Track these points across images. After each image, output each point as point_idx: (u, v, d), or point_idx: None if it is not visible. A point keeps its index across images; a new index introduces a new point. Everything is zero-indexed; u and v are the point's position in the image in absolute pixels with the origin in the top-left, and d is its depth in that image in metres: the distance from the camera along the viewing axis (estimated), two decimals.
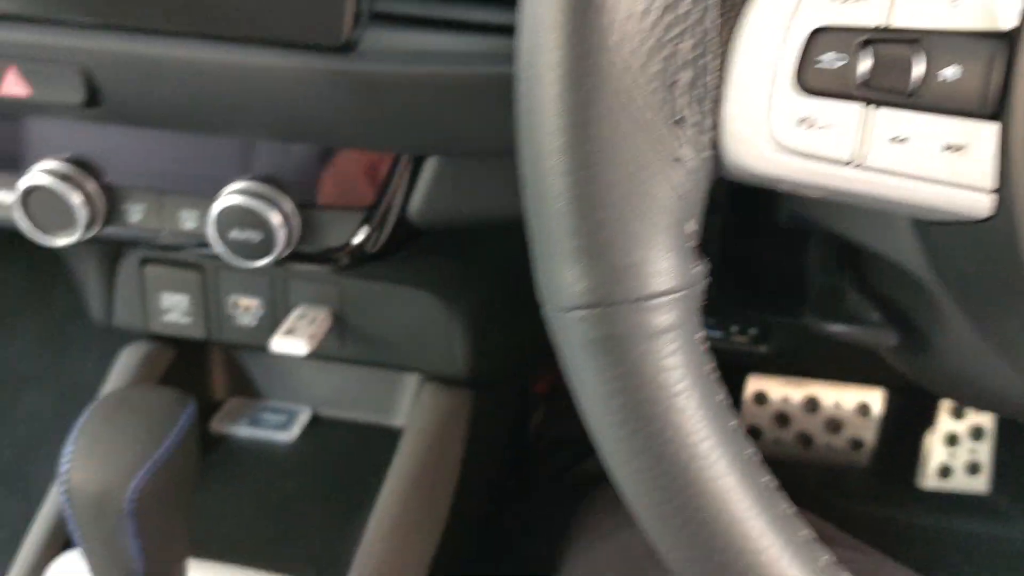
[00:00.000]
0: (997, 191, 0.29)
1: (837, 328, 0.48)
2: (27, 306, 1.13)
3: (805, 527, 0.32)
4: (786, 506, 0.32)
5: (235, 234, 0.53)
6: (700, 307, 0.32)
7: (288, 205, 0.54)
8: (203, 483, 0.75)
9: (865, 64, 0.29)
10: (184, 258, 0.74)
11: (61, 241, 0.55)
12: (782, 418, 1.17)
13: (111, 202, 0.56)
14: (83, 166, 0.55)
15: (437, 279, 0.73)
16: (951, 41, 0.29)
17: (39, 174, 0.54)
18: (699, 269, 0.31)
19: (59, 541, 0.68)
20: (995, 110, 0.29)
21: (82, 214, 0.54)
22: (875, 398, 1.16)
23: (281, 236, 0.53)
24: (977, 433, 1.18)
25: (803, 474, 1.17)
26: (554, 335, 0.32)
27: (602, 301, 0.30)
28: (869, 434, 1.17)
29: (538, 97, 0.30)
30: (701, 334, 0.31)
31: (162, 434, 0.50)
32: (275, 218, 0.53)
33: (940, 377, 0.49)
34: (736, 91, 0.30)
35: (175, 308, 0.76)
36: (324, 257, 0.56)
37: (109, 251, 0.76)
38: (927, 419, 1.17)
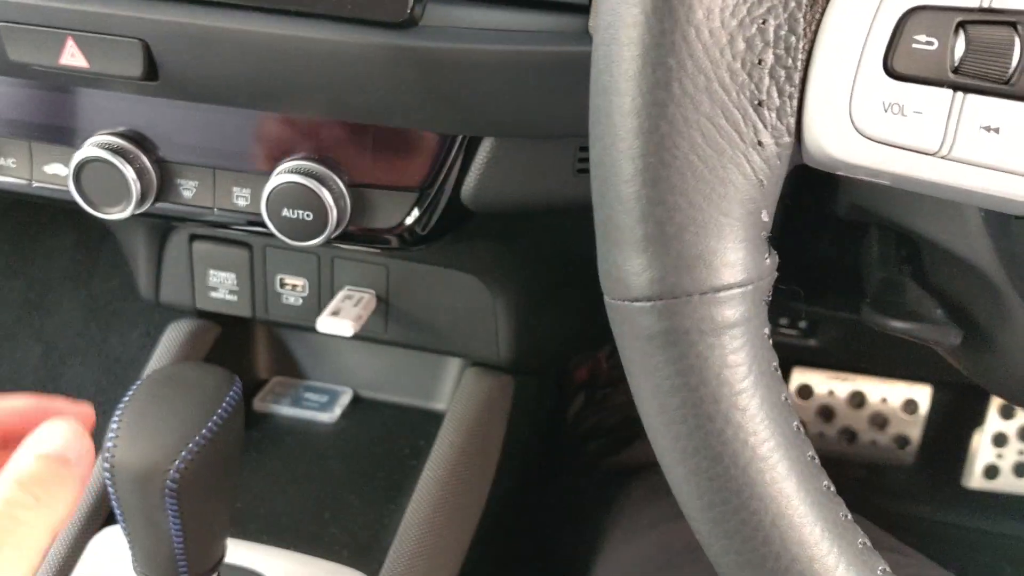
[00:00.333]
0: None
1: (898, 324, 0.46)
2: (73, 280, 1.14)
3: (862, 534, 0.31)
4: (844, 512, 0.31)
5: (287, 213, 0.53)
6: (767, 300, 0.30)
7: (340, 185, 0.53)
8: (244, 462, 0.75)
9: (960, 48, 0.28)
10: (232, 236, 0.74)
11: (114, 215, 0.55)
12: (827, 412, 1.15)
13: (164, 177, 0.56)
14: (137, 141, 0.55)
15: (483, 264, 0.72)
16: None
17: (93, 148, 0.54)
18: (770, 260, 0.30)
19: (101, 515, 0.68)
20: None
21: (135, 188, 0.54)
22: (922, 395, 1.14)
23: (333, 216, 0.53)
24: None
25: (846, 470, 1.16)
26: (615, 325, 0.31)
27: (668, 293, 0.29)
28: (915, 431, 1.15)
29: (615, 75, 0.29)
30: (767, 329, 0.30)
31: (208, 413, 0.49)
32: (327, 198, 0.52)
33: (1002, 377, 0.47)
34: (821, 74, 0.28)
35: (222, 285, 0.76)
36: (375, 238, 0.56)
37: (158, 227, 0.76)
38: (975, 418, 1.15)
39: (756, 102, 0.28)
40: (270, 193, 0.53)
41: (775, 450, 0.30)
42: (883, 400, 1.14)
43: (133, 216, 0.55)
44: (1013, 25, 0.28)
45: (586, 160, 0.53)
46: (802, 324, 0.86)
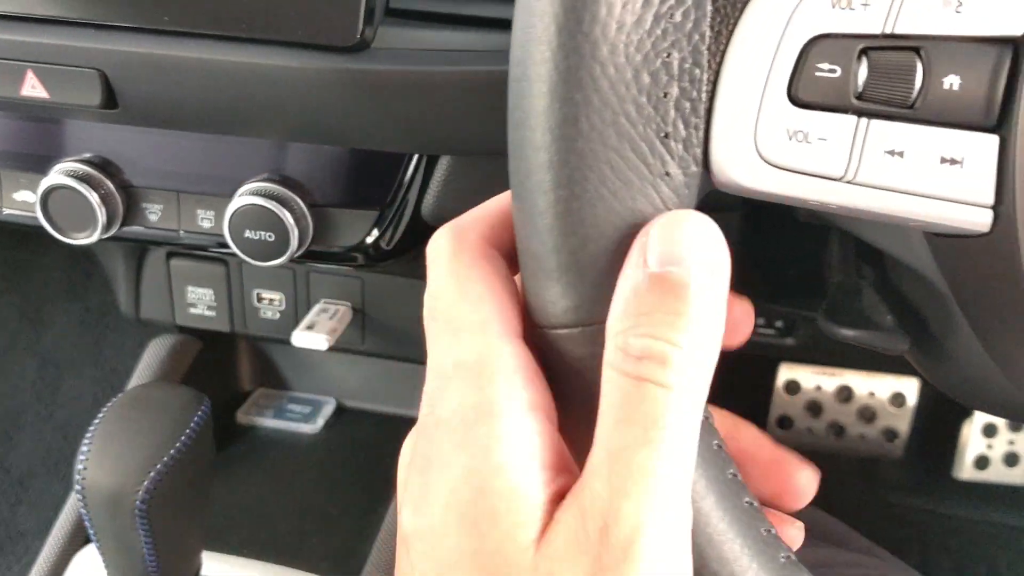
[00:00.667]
0: (995, 207, 0.28)
1: (848, 332, 0.47)
2: (66, 294, 1.15)
3: (786, 549, 0.32)
4: (766, 527, 0.31)
5: (249, 234, 0.54)
6: None
7: (301, 205, 0.54)
8: (227, 474, 0.76)
9: (863, 74, 0.29)
10: (209, 252, 0.75)
11: (80, 240, 0.56)
12: (814, 407, 1.15)
13: (129, 202, 0.57)
14: (102, 166, 0.56)
15: None
16: (954, 48, 0.28)
17: (59, 175, 0.55)
18: None
19: (84, 533, 0.69)
20: (996, 122, 0.28)
21: (100, 214, 0.55)
22: (910, 387, 1.14)
23: (294, 236, 0.53)
24: (1016, 424, 1.16)
25: (836, 465, 1.16)
26: (541, 351, 0.31)
27: (586, 320, 0.29)
28: (903, 424, 1.16)
29: (525, 111, 0.29)
30: None
31: (175, 433, 0.50)
32: (288, 218, 0.53)
33: (956, 382, 0.48)
34: (726, 105, 0.29)
35: (200, 301, 0.77)
36: (339, 256, 0.57)
37: (136, 246, 0.77)
38: (964, 409, 1.15)
39: (663, 134, 0.28)
40: (232, 215, 0.54)
41: (696, 467, 0.30)
42: (871, 394, 1.14)
43: (102, 240, 0.56)
44: (915, 50, 0.28)
45: None
46: (778, 323, 0.86)
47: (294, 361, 0.88)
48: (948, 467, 1.17)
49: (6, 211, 0.59)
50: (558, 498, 0.28)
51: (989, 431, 1.16)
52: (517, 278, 0.32)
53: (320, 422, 0.83)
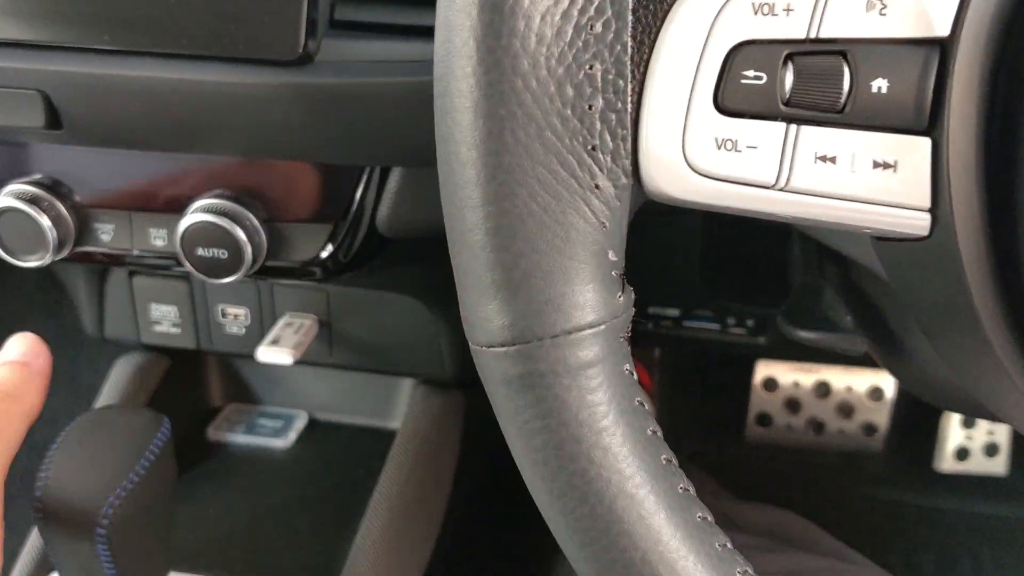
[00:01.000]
0: (932, 209, 0.28)
1: (807, 334, 0.46)
2: (41, 311, 1.14)
3: (742, 563, 0.31)
4: (721, 542, 0.31)
5: (202, 252, 0.53)
6: (627, 336, 0.31)
7: (254, 221, 0.53)
8: (198, 492, 0.75)
9: (789, 80, 0.28)
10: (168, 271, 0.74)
11: (32, 263, 0.55)
12: (793, 404, 1.15)
13: (81, 222, 0.56)
14: (52, 187, 0.55)
15: (422, 284, 0.72)
16: (881, 51, 0.28)
17: (7, 197, 0.54)
18: (624, 298, 0.30)
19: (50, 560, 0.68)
20: (928, 124, 0.28)
21: (51, 236, 0.54)
22: (887, 381, 1.14)
23: (248, 253, 0.53)
24: None
25: (817, 461, 1.16)
26: (479, 369, 0.31)
27: (521, 337, 0.29)
28: (882, 418, 1.15)
29: (450, 126, 0.29)
30: (628, 365, 0.30)
31: (135, 455, 0.50)
32: (240, 235, 0.52)
33: (918, 381, 0.48)
34: (652, 115, 0.28)
35: (165, 319, 0.77)
36: (295, 271, 0.56)
37: (96, 265, 0.76)
38: None
39: (590, 147, 0.28)
40: (184, 232, 0.53)
41: (641, 486, 0.30)
42: (848, 389, 1.14)
43: (55, 261, 0.56)
44: (842, 54, 0.28)
45: None
46: (749, 323, 0.86)
47: (264, 375, 0.87)
48: (929, 459, 1.17)
49: None
50: None
51: (968, 422, 1.16)
52: None
53: (292, 436, 0.82)
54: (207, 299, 0.75)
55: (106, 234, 0.56)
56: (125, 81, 0.49)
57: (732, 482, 0.85)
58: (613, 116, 0.28)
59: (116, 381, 0.80)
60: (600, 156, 0.28)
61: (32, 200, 0.54)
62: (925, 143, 0.28)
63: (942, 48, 0.27)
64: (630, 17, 0.28)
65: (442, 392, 0.80)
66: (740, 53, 0.28)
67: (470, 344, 0.31)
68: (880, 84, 0.28)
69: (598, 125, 0.28)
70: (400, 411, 0.84)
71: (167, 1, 0.46)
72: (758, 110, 0.28)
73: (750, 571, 0.32)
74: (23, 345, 0.48)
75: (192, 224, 0.52)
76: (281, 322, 0.73)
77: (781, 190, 0.28)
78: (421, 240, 0.59)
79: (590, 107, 0.28)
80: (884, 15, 0.27)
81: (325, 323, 0.75)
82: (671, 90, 0.28)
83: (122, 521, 0.48)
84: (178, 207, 0.55)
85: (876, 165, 0.28)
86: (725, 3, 0.28)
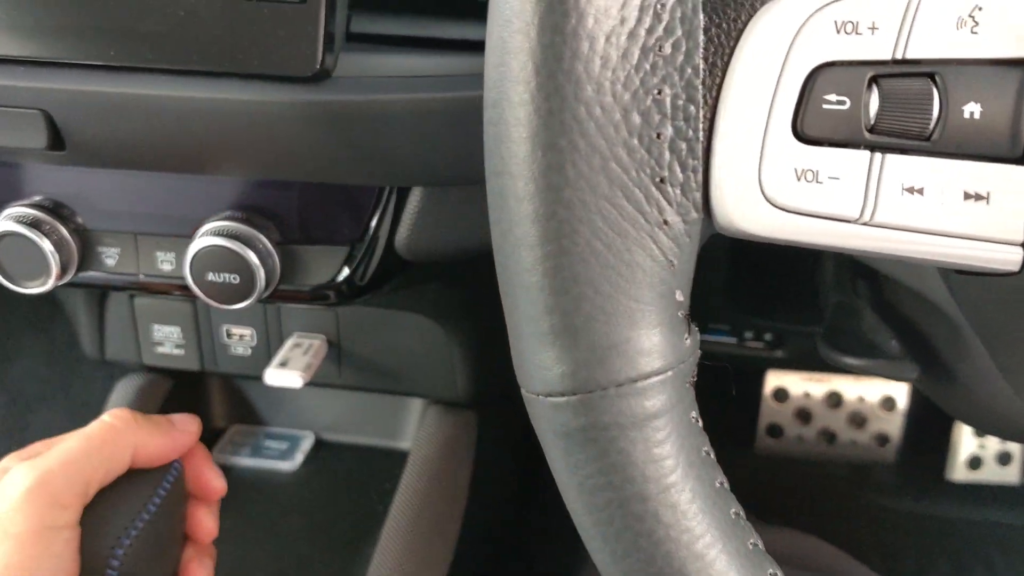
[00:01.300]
0: None
1: (853, 361, 0.44)
2: (34, 327, 1.11)
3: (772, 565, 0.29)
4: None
5: (212, 277, 0.50)
6: (693, 382, 0.28)
7: (267, 244, 0.51)
8: None
9: (874, 105, 0.26)
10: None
11: (34, 289, 0.53)
12: (804, 414, 1.13)
13: (84, 246, 0.53)
14: (54, 210, 0.53)
15: (434, 304, 0.70)
16: (972, 73, 0.25)
17: (8, 221, 0.51)
18: (691, 341, 0.28)
19: None
20: (1023, 152, 0.25)
21: (54, 261, 0.52)
22: (899, 391, 1.12)
23: (260, 277, 0.50)
24: None
25: (828, 471, 1.14)
26: (533, 419, 0.29)
27: (583, 387, 0.27)
28: (895, 428, 1.14)
29: (505, 158, 0.26)
30: (695, 412, 0.28)
31: (147, 493, 0.48)
32: (253, 259, 0.50)
33: (966, 407, 0.46)
34: (725, 144, 0.26)
35: (167, 340, 0.74)
36: (309, 295, 0.54)
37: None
38: None
39: (658, 179, 0.26)
40: (193, 257, 0.50)
41: (711, 546, 0.28)
42: (860, 399, 1.12)
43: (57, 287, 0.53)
44: (930, 76, 0.26)
45: None
46: (767, 337, 0.84)
47: (268, 395, 0.84)
48: (941, 469, 1.15)
49: None
50: None
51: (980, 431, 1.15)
52: None
53: (299, 458, 0.80)
54: (211, 319, 0.73)
55: (111, 258, 0.54)
56: (132, 99, 0.46)
57: (742, 495, 0.83)
58: (683, 145, 0.26)
59: (117, 404, 0.77)
60: (669, 189, 0.26)
61: (33, 223, 0.51)
62: (1020, 173, 0.26)
63: None
64: (702, 37, 0.26)
65: (454, 412, 0.77)
66: (821, 75, 0.26)
67: (523, 392, 0.29)
68: (972, 109, 0.25)
69: (667, 155, 0.26)
70: (409, 431, 0.82)
71: (176, 15, 0.44)
72: (840, 138, 0.26)
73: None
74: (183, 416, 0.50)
75: (202, 248, 0.50)
76: (289, 343, 0.71)
77: (865, 224, 0.26)
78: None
79: (658, 135, 0.26)
80: (976, 33, 0.25)
81: (334, 343, 0.72)
82: (746, 116, 0.26)
83: (134, 561, 0.46)
84: (187, 230, 0.52)
85: (967, 197, 0.26)
86: (805, 21, 0.25)
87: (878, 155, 0.26)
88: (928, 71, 0.26)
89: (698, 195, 0.26)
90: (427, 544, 0.71)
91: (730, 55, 0.26)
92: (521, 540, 0.93)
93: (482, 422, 0.79)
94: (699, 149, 0.26)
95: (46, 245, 0.51)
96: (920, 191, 0.26)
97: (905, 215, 0.26)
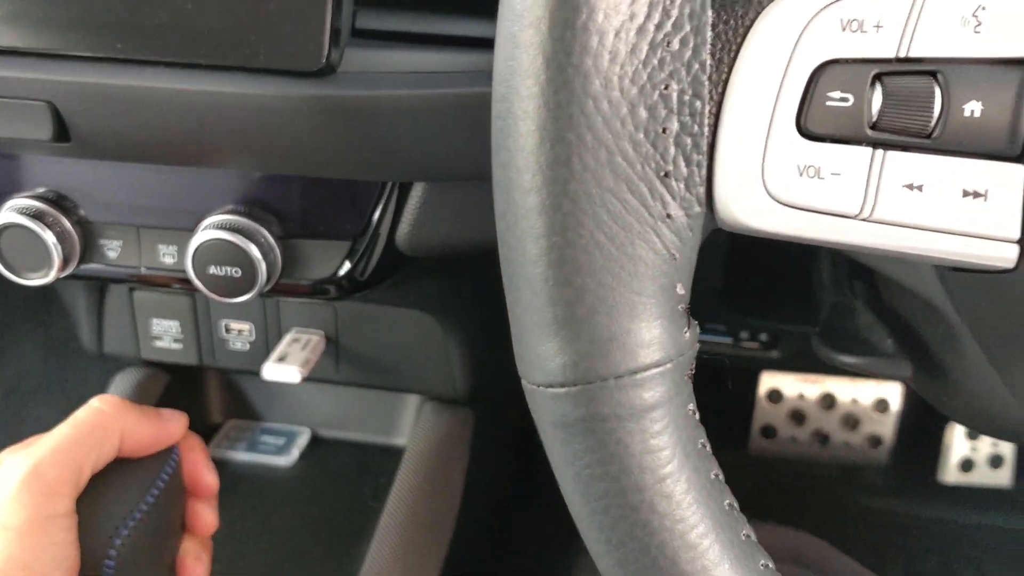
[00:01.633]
0: (1021, 241, 0.26)
1: (848, 359, 0.45)
2: (30, 321, 1.11)
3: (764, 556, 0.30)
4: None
5: (214, 270, 0.51)
6: (691, 375, 0.29)
7: (268, 238, 0.51)
8: None
9: (877, 102, 0.26)
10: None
11: (36, 281, 0.53)
12: (798, 416, 1.14)
13: (87, 239, 0.54)
14: (56, 202, 0.53)
15: (432, 301, 0.70)
16: (974, 71, 0.26)
17: (10, 212, 0.51)
18: (690, 334, 0.28)
19: None
20: (1021, 151, 0.26)
21: (56, 253, 0.52)
22: (893, 393, 1.13)
23: (262, 271, 0.51)
24: None
25: (821, 472, 1.15)
26: (532, 410, 0.29)
27: (583, 378, 0.27)
28: (887, 430, 1.14)
29: (512, 151, 0.27)
30: (692, 405, 0.29)
31: (145, 485, 0.48)
32: (255, 253, 0.50)
33: (960, 406, 0.46)
34: (730, 139, 0.27)
35: (166, 334, 0.74)
36: (310, 289, 0.54)
37: (96, 281, 0.74)
38: None
39: (662, 173, 0.26)
40: (195, 250, 0.51)
41: (705, 535, 0.28)
42: (853, 400, 1.13)
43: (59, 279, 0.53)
44: (932, 74, 0.26)
45: None
46: (762, 337, 0.84)
47: (265, 391, 0.84)
48: (933, 471, 1.16)
49: None
50: None
51: (973, 433, 1.15)
52: None
53: (295, 453, 0.80)
54: (210, 314, 0.73)
55: (113, 251, 0.54)
56: (137, 92, 0.46)
57: (736, 495, 0.84)
58: (688, 140, 0.26)
59: None
60: (673, 183, 0.26)
61: (36, 215, 0.52)
62: (1018, 171, 0.26)
63: None
64: (709, 33, 0.26)
65: (451, 409, 0.78)
66: (826, 72, 0.26)
67: (523, 382, 0.29)
68: (973, 107, 0.26)
69: (672, 150, 0.26)
70: (405, 427, 0.82)
71: (183, 8, 0.44)
72: (843, 134, 0.26)
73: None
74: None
75: (204, 241, 0.50)
76: (287, 338, 0.71)
77: (865, 220, 0.27)
78: (432, 257, 0.57)
79: (664, 130, 0.26)
80: (978, 32, 0.26)
81: (332, 339, 0.73)
82: (751, 112, 0.27)
83: (131, 552, 0.46)
84: (189, 223, 0.52)
85: (965, 194, 0.26)
86: (812, 18, 0.26)
87: (879, 152, 0.26)
88: (931, 69, 0.26)
89: (701, 190, 0.27)
90: (422, 540, 0.71)
91: (737, 51, 0.27)
92: (516, 536, 0.93)
93: (478, 419, 0.79)
94: (704, 144, 0.27)
95: (49, 237, 0.52)
96: (919, 188, 0.26)
97: (904, 211, 0.26)
